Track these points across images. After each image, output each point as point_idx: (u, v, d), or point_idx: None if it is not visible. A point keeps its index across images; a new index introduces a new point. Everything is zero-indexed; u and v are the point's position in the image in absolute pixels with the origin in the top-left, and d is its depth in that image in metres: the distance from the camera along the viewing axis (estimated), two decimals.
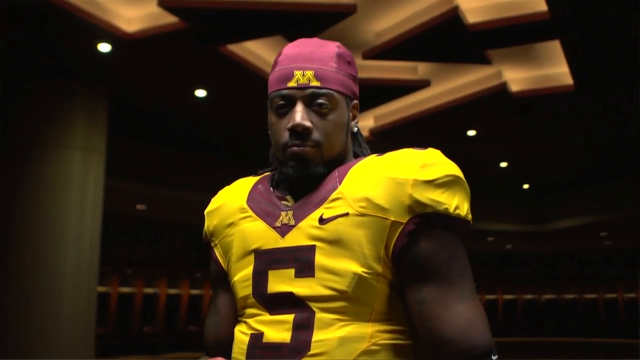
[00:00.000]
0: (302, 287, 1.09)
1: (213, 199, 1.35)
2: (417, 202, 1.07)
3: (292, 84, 1.17)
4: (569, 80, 9.03)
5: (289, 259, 1.12)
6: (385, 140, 10.77)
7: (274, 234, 1.16)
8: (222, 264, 1.28)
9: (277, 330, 1.10)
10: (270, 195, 1.23)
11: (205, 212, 1.34)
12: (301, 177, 1.17)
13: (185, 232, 17.79)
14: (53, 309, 7.72)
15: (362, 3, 7.13)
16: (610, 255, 23.74)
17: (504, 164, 14.78)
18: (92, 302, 8.24)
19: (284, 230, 1.15)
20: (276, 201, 1.21)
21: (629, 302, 23.63)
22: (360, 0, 7.06)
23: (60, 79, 8.41)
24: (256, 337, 1.12)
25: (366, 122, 10.95)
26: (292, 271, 1.11)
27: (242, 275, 1.18)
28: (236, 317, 1.24)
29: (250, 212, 1.22)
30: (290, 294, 1.10)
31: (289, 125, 1.15)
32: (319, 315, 1.07)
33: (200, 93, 9.53)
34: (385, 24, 8.00)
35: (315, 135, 1.15)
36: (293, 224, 1.14)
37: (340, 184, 1.13)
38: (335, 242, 1.08)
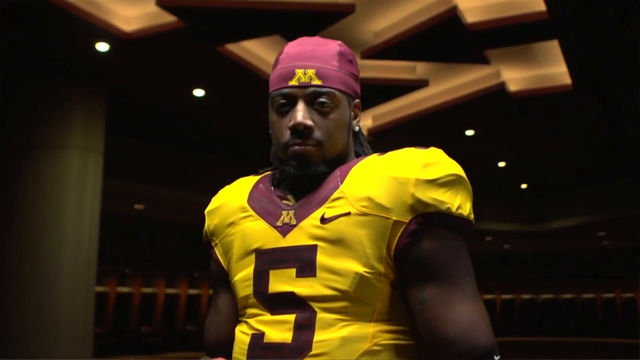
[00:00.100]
0: (303, 287, 1.08)
1: (213, 199, 1.34)
2: (420, 202, 1.06)
3: (293, 82, 1.16)
4: (567, 80, 9.03)
5: (290, 258, 1.11)
6: (384, 139, 10.77)
7: (275, 233, 1.15)
8: (223, 264, 1.27)
9: (278, 330, 1.09)
10: (271, 194, 1.22)
11: (206, 211, 1.34)
12: (302, 177, 1.16)
13: (184, 232, 17.77)
14: (51, 308, 7.71)
15: (360, 3, 7.13)
16: (608, 255, 23.75)
17: (502, 164, 14.78)
18: (90, 302, 8.22)
19: (285, 230, 1.14)
20: (277, 200, 1.20)
21: (627, 301, 23.65)
22: None
23: (58, 79, 8.39)
24: (257, 337, 1.12)
25: (364, 122, 10.95)
26: (293, 271, 1.10)
27: (243, 275, 1.18)
28: (237, 317, 1.23)
29: (251, 212, 1.21)
30: (292, 294, 1.09)
31: (291, 124, 1.14)
32: (321, 315, 1.06)
33: (199, 93, 9.52)
34: (384, 24, 8.00)
35: (317, 134, 1.14)
36: (294, 223, 1.13)
37: (341, 183, 1.13)
38: (337, 242, 1.08)
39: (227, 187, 1.33)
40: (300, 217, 1.13)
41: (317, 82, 1.16)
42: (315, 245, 1.09)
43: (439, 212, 1.06)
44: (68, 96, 8.40)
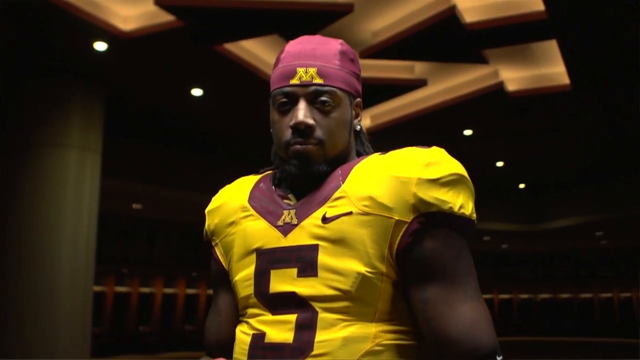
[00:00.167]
0: (304, 287, 1.08)
1: (214, 198, 1.33)
2: (422, 201, 1.05)
3: (294, 81, 1.15)
4: (565, 80, 9.03)
5: (291, 258, 1.10)
6: (382, 139, 10.76)
7: (276, 233, 1.14)
8: (223, 264, 1.26)
9: (280, 330, 1.09)
10: (272, 193, 1.21)
11: (206, 210, 1.33)
12: (304, 176, 1.15)
13: (182, 232, 17.76)
14: (49, 308, 7.70)
15: (359, 2, 7.13)
16: (606, 255, 23.78)
17: (500, 164, 14.79)
18: (88, 301, 8.21)
19: (286, 229, 1.13)
20: (278, 200, 1.19)
21: (625, 301, 23.67)
22: None
23: (57, 78, 8.38)
24: (258, 338, 1.11)
25: (363, 122, 10.87)
26: (294, 271, 1.09)
27: (244, 275, 1.17)
28: (237, 317, 1.23)
29: (252, 211, 1.20)
30: (293, 294, 1.08)
31: (292, 123, 1.14)
32: (322, 315, 1.06)
33: (197, 92, 9.51)
34: (382, 23, 8.00)
35: (318, 133, 1.14)
36: (295, 223, 1.13)
37: (343, 183, 1.12)
38: (339, 242, 1.07)
39: (227, 187, 1.33)
40: (301, 216, 1.13)
41: (318, 80, 1.15)
42: (317, 245, 1.08)
43: (441, 211, 1.06)
44: (66, 96, 8.39)
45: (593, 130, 12.06)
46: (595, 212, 17.24)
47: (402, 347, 1.07)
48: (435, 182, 1.06)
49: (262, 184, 1.26)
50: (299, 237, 1.11)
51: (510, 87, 9.35)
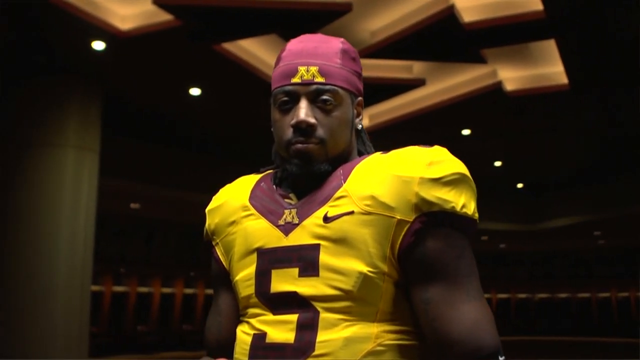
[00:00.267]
0: (306, 287, 1.07)
1: (214, 197, 1.32)
2: (424, 201, 1.05)
3: (296, 79, 1.15)
4: (564, 79, 9.04)
5: (292, 258, 1.10)
6: (381, 139, 10.71)
7: (277, 232, 1.14)
8: (224, 263, 1.26)
9: (281, 330, 1.08)
10: (273, 193, 1.21)
11: (207, 210, 1.32)
12: (305, 175, 1.14)
13: (179, 231, 17.77)
14: (46, 308, 7.69)
15: (357, 2, 7.12)
16: (603, 255, 23.82)
17: (498, 163, 14.81)
18: (86, 301, 8.21)
19: (287, 229, 1.13)
20: (279, 199, 1.18)
21: (622, 301, 23.72)
22: None
23: (54, 77, 8.37)
24: (259, 338, 1.10)
25: None
26: (295, 270, 1.09)
27: (245, 275, 1.16)
28: (238, 316, 1.22)
29: (253, 210, 1.20)
30: (294, 294, 1.08)
31: (293, 121, 1.13)
32: (324, 315, 1.05)
33: (195, 91, 9.50)
34: (381, 23, 8.00)
35: (320, 132, 1.13)
36: (297, 222, 1.12)
37: (345, 182, 1.11)
38: (340, 241, 1.06)
39: (228, 186, 1.32)
40: (302, 216, 1.12)
41: (320, 79, 1.14)
42: (318, 245, 1.08)
43: (443, 211, 1.05)
44: (64, 95, 8.38)
45: (591, 130, 12.07)
46: (593, 212, 17.27)
47: (404, 347, 1.06)
48: (438, 181, 1.06)
49: (263, 183, 1.25)
50: (300, 237, 1.10)
51: (509, 86, 9.36)
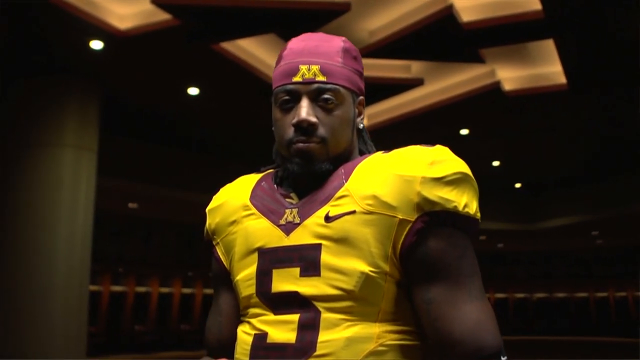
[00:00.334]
0: (307, 287, 1.06)
1: (215, 197, 1.32)
2: (426, 200, 1.04)
3: (297, 78, 1.14)
4: (562, 79, 9.04)
5: (293, 257, 1.09)
6: (379, 139, 10.70)
7: (278, 232, 1.13)
8: (224, 263, 1.25)
9: (282, 330, 1.07)
10: (274, 192, 1.20)
11: (207, 209, 1.31)
12: (306, 174, 1.14)
13: (177, 231, 17.75)
14: (45, 307, 7.68)
15: (356, 1, 7.12)
16: (601, 255, 23.84)
17: (496, 163, 14.81)
18: (84, 300, 8.20)
19: (288, 229, 1.12)
20: (280, 199, 1.18)
21: (620, 300, 23.74)
22: None
23: (52, 77, 8.36)
24: (260, 338, 1.10)
25: None
26: (297, 270, 1.08)
27: (245, 274, 1.16)
28: (239, 316, 1.21)
29: (254, 210, 1.19)
30: (295, 294, 1.07)
31: (294, 120, 1.12)
32: (325, 315, 1.05)
33: (193, 91, 9.49)
34: (379, 22, 8.00)
35: (321, 131, 1.13)
36: (298, 222, 1.11)
37: (346, 181, 1.11)
38: (342, 241, 1.06)
39: (228, 185, 1.31)
40: (304, 215, 1.12)
41: (321, 78, 1.14)
42: (320, 244, 1.07)
43: (445, 210, 1.05)
44: (62, 94, 8.37)
45: (589, 129, 12.08)
46: (591, 212, 17.28)
47: (406, 347, 1.06)
48: (440, 180, 1.05)
49: (263, 182, 1.24)
50: (301, 236, 1.10)
51: (507, 86, 9.36)
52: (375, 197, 1.06)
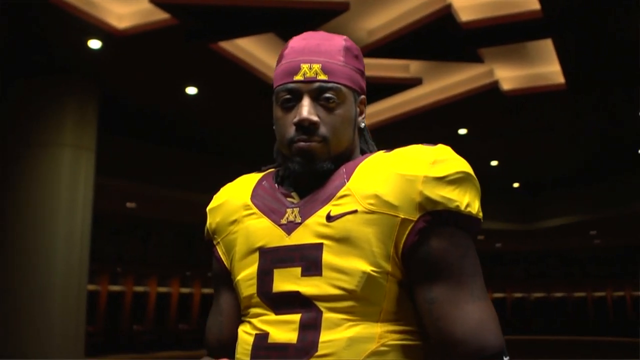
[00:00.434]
0: (309, 286, 1.06)
1: (215, 196, 1.31)
2: (428, 199, 1.04)
3: (298, 77, 1.13)
4: (560, 79, 9.05)
5: (295, 257, 1.09)
6: (377, 138, 10.71)
7: (279, 231, 1.13)
8: (225, 263, 1.24)
9: (283, 330, 1.07)
10: (275, 192, 1.19)
11: (208, 209, 1.30)
12: (307, 173, 1.13)
13: (176, 231, 17.73)
14: (43, 307, 7.67)
15: (354, 1, 7.12)
16: (599, 254, 23.85)
17: (494, 163, 14.81)
18: (82, 300, 8.19)
19: (289, 228, 1.12)
20: (281, 198, 1.17)
21: (618, 300, 23.76)
22: None
23: (50, 76, 8.35)
24: (261, 338, 1.09)
25: None
26: (298, 270, 1.08)
27: (246, 274, 1.15)
28: (239, 316, 1.21)
29: (255, 209, 1.19)
30: (297, 294, 1.07)
31: (296, 119, 1.12)
32: (327, 315, 1.04)
33: (191, 90, 9.48)
34: (378, 22, 7.99)
35: (323, 130, 1.12)
36: (299, 221, 1.11)
37: (348, 181, 1.10)
38: (344, 240, 1.05)
39: (229, 185, 1.30)
40: (305, 214, 1.11)
41: (322, 77, 1.13)
42: (321, 244, 1.07)
43: (447, 210, 1.04)
44: (60, 94, 8.36)
45: (587, 129, 12.09)
46: (589, 212, 17.30)
47: (408, 347, 1.06)
48: (442, 180, 1.05)
49: (264, 182, 1.24)
50: (303, 236, 1.09)
51: (505, 86, 9.36)
52: (377, 197, 1.06)
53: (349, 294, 1.04)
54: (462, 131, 11.73)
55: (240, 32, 7.69)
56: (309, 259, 1.07)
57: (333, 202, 1.09)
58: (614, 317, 23.65)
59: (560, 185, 17.65)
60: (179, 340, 17.31)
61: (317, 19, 7.18)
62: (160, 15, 7.13)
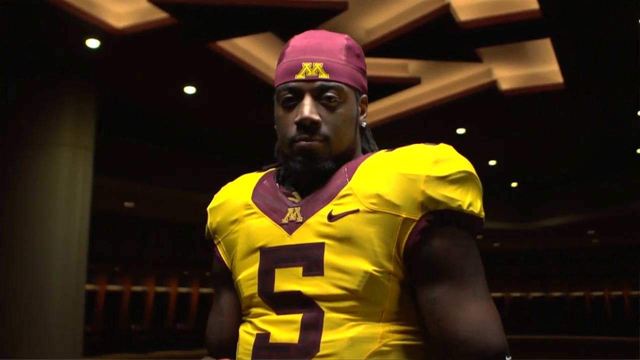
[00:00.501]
0: (310, 286, 1.06)
1: (216, 195, 1.30)
2: (430, 199, 1.04)
3: (300, 76, 1.13)
4: (558, 78, 9.05)
5: (296, 256, 1.08)
6: (375, 138, 10.72)
7: (280, 231, 1.12)
8: (226, 262, 1.24)
9: (285, 330, 1.06)
10: (276, 191, 1.19)
11: (208, 208, 1.30)
12: (309, 173, 1.13)
13: (174, 230, 17.73)
14: (41, 307, 7.65)
15: (353, 0, 7.11)
16: (597, 254, 23.88)
17: (492, 162, 14.81)
18: (80, 300, 8.17)
19: (291, 227, 1.11)
20: (283, 197, 1.17)
21: (616, 300, 23.79)
22: None
23: (48, 75, 8.33)
24: (262, 338, 1.09)
25: None
26: (299, 269, 1.07)
27: (248, 274, 1.15)
28: (240, 316, 1.20)
29: (256, 209, 1.18)
30: (298, 293, 1.06)
31: (297, 118, 1.11)
32: (328, 315, 1.04)
33: (190, 90, 9.47)
34: (376, 21, 7.99)
35: (324, 129, 1.11)
36: (301, 220, 1.10)
37: (349, 180, 1.10)
38: (345, 240, 1.05)
39: (229, 184, 1.30)
40: (306, 214, 1.10)
41: (324, 75, 1.13)
42: (323, 243, 1.06)
43: (450, 209, 1.04)
44: (58, 93, 8.34)
45: (585, 129, 12.09)
46: (587, 211, 17.31)
47: (410, 347, 1.05)
48: (444, 179, 1.05)
49: (265, 181, 1.23)
50: (304, 235, 1.09)
51: (504, 85, 9.36)
52: (378, 196, 1.05)
53: (351, 294, 1.03)
54: (461, 131, 11.73)
55: (239, 32, 7.68)
56: (310, 259, 1.07)
57: (335, 201, 1.09)
58: (612, 316, 23.68)
59: (558, 184, 17.66)
60: (177, 340, 17.32)
61: (315, 19, 7.18)
62: (159, 14, 7.11)
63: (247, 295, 1.14)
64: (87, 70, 8.47)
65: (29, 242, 7.81)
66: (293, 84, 1.13)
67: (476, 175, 1.09)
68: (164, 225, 17.38)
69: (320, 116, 1.12)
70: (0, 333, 7.57)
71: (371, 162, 1.12)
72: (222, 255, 1.25)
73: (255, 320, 1.12)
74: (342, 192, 1.09)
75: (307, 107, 1.11)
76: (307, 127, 1.11)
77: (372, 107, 10.55)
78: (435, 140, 1.14)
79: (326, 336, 1.02)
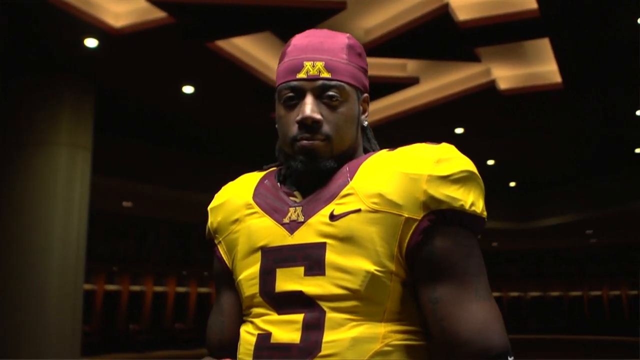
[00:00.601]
0: (312, 286, 1.05)
1: (217, 195, 1.30)
2: (432, 198, 1.03)
3: (301, 75, 1.13)
4: (557, 78, 9.05)
5: (298, 256, 1.08)
6: (374, 137, 10.73)
7: (282, 230, 1.11)
8: (227, 262, 1.23)
9: (286, 330, 1.06)
10: (277, 190, 1.18)
11: (209, 208, 1.29)
12: (310, 172, 1.12)
13: (172, 230, 17.72)
14: (39, 307, 7.64)
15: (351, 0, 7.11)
16: (595, 253, 23.90)
17: (491, 162, 14.81)
18: (78, 299, 8.16)
19: (292, 227, 1.10)
20: (284, 197, 1.16)
21: (614, 299, 23.81)
22: None
23: (46, 74, 8.32)
24: (263, 338, 1.08)
25: None
26: (301, 269, 1.07)
27: (249, 274, 1.14)
28: (241, 316, 1.20)
29: (257, 208, 1.17)
30: (300, 293, 1.06)
31: (299, 117, 1.11)
32: (330, 315, 1.03)
33: (188, 89, 9.46)
34: (375, 21, 7.98)
35: (326, 128, 1.11)
36: (302, 220, 1.10)
37: (351, 180, 1.09)
38: (347, 239, 1.05)
39: (230, 183, 1.29)
40: (308, 214, 1.10)
41: (325, 74, 1.12)
42: (324, 243, 1.06)
43: (452, 209, 1.04)
44: (56, 92, 8.33)
45: (583, 128, 12.10)
46: (585, 211, 17.32)
47: (412, 347, 1.05)
48: (446, 179, 1.04)
49: (266, 180, 1.22)
50: (305, 235, 1.08)
51: (502, 85, 9.36)
52: (380, 196, 1.05)
53: (353, 294, 1.03)
54: (459, 130, 11.73)
55: (237, 31, 7.67)
56: (312, 259, 1.06)
57: (336, 201, 1.08)
58: (610, 316, 23.70)
59: (556, 184, 17.68)
60: (175, 340, 17.32)
61: (314, 18, 7.17)
62: (157, 13, 7.10)
63: (248, 295, 1.14)
64: (85, 70, 8.46)
65: (27, 241, 7.79)
66: (294, 83, 1.13)
67: (478, 174, 1.09)
68: (163, 225, 17.37)
69: (322, 115, 1.11)
70: None
71: (373, 161, 1.11)
72: (223, 255, 1.24)
73: (257, 320, 1.12)
74: (344, 191, 1.08)
75: (309, 106, 1.10)
76: (309, 126, 1.10)
77: (371, 107, 10.42)
78: (433, 140, 1.14)
79: (328, 336, 1.02)
